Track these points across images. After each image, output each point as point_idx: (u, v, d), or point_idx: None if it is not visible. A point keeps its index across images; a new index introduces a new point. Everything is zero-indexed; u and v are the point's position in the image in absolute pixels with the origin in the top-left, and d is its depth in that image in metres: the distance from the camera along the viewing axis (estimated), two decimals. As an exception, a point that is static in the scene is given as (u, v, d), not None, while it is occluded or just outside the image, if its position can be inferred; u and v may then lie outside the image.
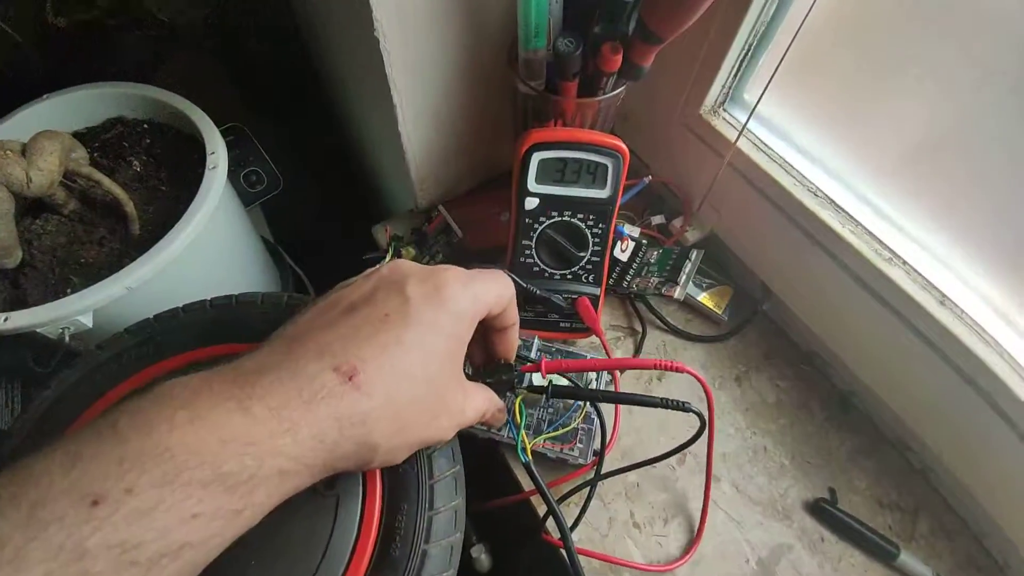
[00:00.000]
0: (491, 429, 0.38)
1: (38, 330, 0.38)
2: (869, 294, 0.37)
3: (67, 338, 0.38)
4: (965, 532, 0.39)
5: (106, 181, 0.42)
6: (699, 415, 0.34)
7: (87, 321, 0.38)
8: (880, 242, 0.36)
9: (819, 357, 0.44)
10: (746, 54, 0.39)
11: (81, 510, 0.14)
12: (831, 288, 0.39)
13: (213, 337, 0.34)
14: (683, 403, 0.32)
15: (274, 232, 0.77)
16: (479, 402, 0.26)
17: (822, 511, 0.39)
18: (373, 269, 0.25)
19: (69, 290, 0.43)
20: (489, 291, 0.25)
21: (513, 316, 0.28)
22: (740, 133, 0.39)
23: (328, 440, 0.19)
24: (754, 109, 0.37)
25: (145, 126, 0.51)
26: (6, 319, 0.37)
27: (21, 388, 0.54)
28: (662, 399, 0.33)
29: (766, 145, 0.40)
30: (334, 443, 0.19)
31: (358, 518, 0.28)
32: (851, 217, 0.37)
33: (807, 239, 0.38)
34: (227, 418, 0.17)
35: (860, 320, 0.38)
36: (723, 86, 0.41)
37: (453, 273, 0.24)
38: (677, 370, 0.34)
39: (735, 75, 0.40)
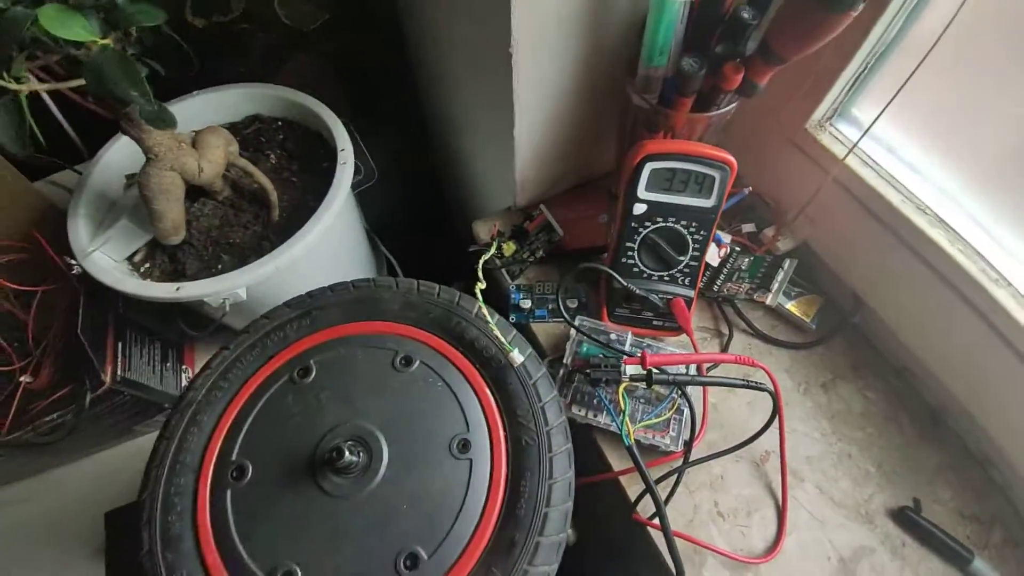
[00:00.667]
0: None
1: (205, 299, 0.44)
2: (973, 313, 0.37)
3: (227, 307, 0.44)
4: None
5: (257, 172, 0.48)
6: (770, 392, 0.38)
7: (243, 294, 0.44)
8: (988, 263, 0.36)
9: (910, 372, 0.45)
10: (863, 71, 0.40)
11: None
12: (933, 305, 0.39)
13: (355, 314, 0.39)
14: (759, 383, 0.38)
15: (367, 220, 0.83)
16: None
17: (906, 518, 0.40)
18: None
19: (220, 266, 0.50)
20: None
21: None
22: (851, 149, 0.40)
23: None
24: (870, 127, 0.38)
25: (279, 123, 0.57)
26: (178, 288, 0.44)
27: (160, 348, 0.62)
28: (742, 380, 0.39)
29: (874, 160, 0.41)
30: None
31: (488, 480, 0.32)
32: (960, 236, 0.37)
33: (912, 256, 0.39)
34: None
35: (961, 338, 0.39)
36: (833, 102, 0.42)
37: None
38: (751, 364, 0.39)
39: (848, 91, 0.41)
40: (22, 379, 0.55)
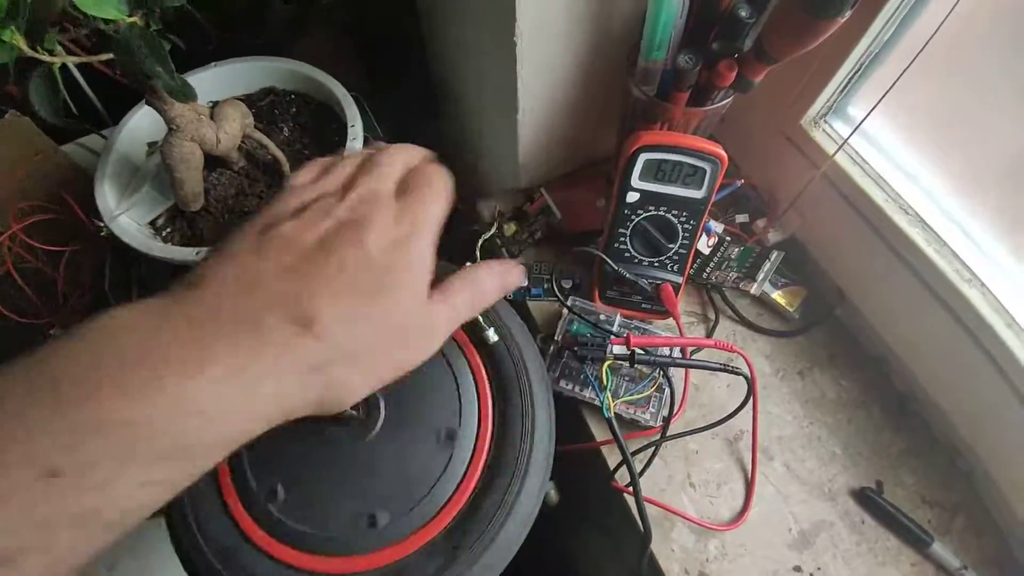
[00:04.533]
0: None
1: (221, 265, 0.47)
2: (945, 310, 0.39)
3: (242, 274, 0.47)
4: (996, 533, 0.42)
5: (271, 145, 0.50)
6: (745, 376, 0.40)
7: (256, 261, 0.47)
8: (962, 262, 0.38)
9: (885, 363, 0.47)
10: (857, 71, 0.41)
11: (39, 483, 0.15)
12: (908, 300, 0.41)
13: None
14: (735, 368, 0.40)
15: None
16: (440, 319, 0.23)
17: (867, 498, 0.43)
18: (316, 195, 0.22)
19: (235, 234, 0.52)
20: (442, 205, 0.23)
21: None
22: (840, 147, 0.41)
23: (289, 393, 0.19)
24: (858, 126, 0.39)
25: (292, 96, 0.59)
26: (198, 252, 0.47)
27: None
28: (720, 364, 0.40)
29: (863, 159, 0.42)
30: (296, 394, 0.19)
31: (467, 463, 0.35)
32: (938, 236, 0.39)
33: (892, 253, 0.41)
34: (185, 386, 0.16)
35: (933, 333, 0.41)
36: (828, 99, 0.43)
37: (420, 216, 0.22)
38: (730, 350, 0.41)
39: (842, 90, 0.42)
40: (52, 332, 0.59)
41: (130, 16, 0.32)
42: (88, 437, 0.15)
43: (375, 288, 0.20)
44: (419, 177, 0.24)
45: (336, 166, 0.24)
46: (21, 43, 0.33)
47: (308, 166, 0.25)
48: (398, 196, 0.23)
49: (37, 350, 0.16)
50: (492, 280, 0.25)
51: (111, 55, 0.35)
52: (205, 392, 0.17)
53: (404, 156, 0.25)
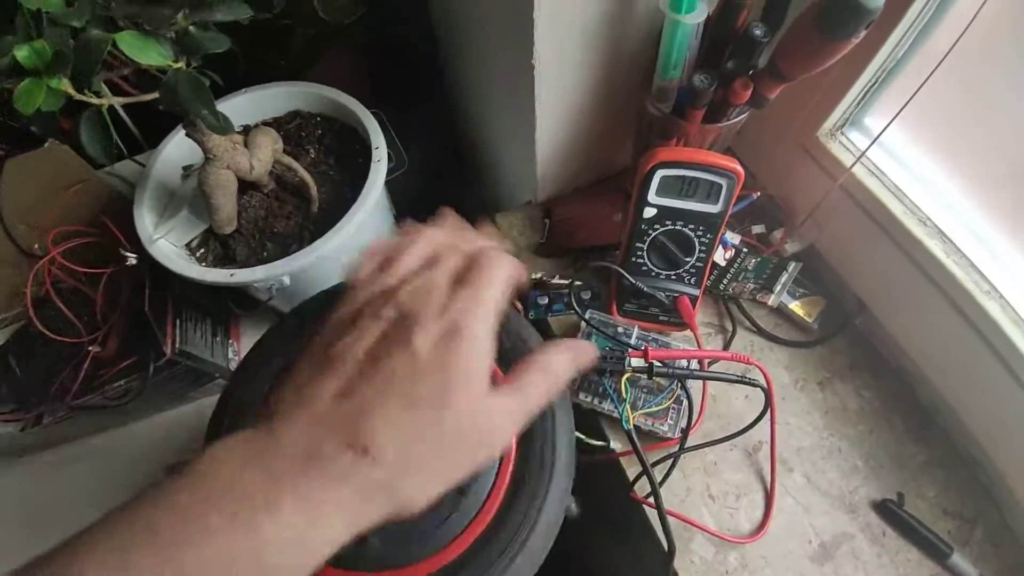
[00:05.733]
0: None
1: (254, 284, 0.49)
2: (965, 322, 0.39)
3: (274, 292, 0.49)
4: (1013, 543, 0.42)
5: (300, 169, 0.53)
6: (762, 388, 0.41)
7: (287, 280, 0.49)
8: (981, 274, 0.38)
9: (907, 373, 0.47)
10: (874, 83, 0.41)
11: None
12: (927, 311, 0.41)
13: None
14: (752, 379, 0.41)
15: (396, 206, 0.87)
16: (507, 416, 0.22)
17: (887, 511, 0.43)
18: (372, 296, 0.22)
19: (265, 253, 0.55)
20: (499, 288, 0.22)
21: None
22: (857, 160, 0.41)
23: (355, 513, 0.20)
24: (876, 139, 0.39)
25: (318, 119, 0.61)
26: (232, 275, 0.49)
27: (211, 324, 0.69)
28: (736, 376, 0.41)
29: (880, 171, 0.43)
30: (362, 513, 0.20)
31: None
32: (957, 248, 0.39)
33: (910, 264, 0.41)
34: (259, 520, 0.18)
35: (952, 344, 0.41)
36: (845, 111, 0.43)
37: (471, 302, 0.21)
38: (747, 362, 0.42)
39: (859, 102, 0.42)
40: (91, 348, 0.62)
41: (176, 61, 0.34)
42: (176, 575, 0.17)
43: (426, 394, 0.20)
44: (473, 263, 0.23)
45: (396, 259, 0.24)
46: (68, 88, 0.35)
47: (369, 256, 0.24)
48: (453, 287, 0.22)
49: (155, 486, 0.19)
50: (566, 365, 0.24)
51: (156, 95, 0.38)
52: (277, 524, 0.18)
53: (465, 245, 0.24)
